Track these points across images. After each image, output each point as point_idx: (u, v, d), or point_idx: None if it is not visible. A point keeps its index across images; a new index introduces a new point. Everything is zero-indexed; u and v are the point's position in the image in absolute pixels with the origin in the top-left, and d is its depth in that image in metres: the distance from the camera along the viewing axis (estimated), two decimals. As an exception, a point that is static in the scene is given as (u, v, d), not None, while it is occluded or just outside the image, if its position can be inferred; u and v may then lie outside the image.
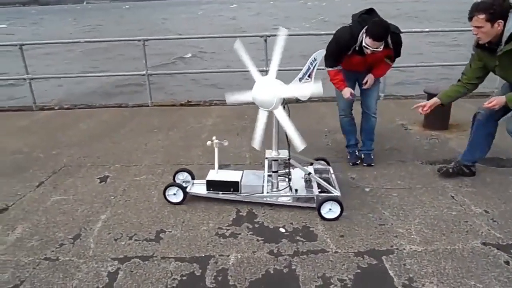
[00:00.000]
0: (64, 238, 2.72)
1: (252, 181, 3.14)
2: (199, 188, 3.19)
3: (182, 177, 3.37)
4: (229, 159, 3.92)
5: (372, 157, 3.80)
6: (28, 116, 5.93)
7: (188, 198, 3.14)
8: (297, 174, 3.21)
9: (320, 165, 3.44)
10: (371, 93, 3.62)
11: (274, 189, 3.12)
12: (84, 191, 3.39)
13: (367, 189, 3.27)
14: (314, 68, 2.79)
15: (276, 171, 3.10)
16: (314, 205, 2.94)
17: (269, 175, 3.13)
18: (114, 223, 2.89)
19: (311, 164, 3.42)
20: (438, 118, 4.44)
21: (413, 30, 6.33)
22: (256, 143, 2.75)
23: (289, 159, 3.03)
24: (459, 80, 3.24)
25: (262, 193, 3.05)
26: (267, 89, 2.75)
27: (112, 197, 3.27)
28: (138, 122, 5.39)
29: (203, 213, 2.99)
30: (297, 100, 2.92)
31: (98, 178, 3.64)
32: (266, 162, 3.08)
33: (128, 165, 3.91)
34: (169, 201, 3.13)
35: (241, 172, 3.23)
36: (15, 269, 2.41)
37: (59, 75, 10.80)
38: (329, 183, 3.09)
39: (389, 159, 3.86)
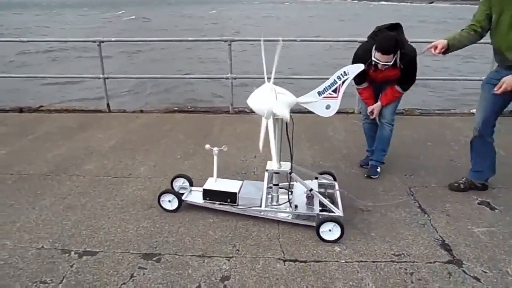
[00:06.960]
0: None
1: (251, 193, 2.97)
2: (196, 196, 3.10)
3: (179, 183, 3.27)
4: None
5: (378, 170, 3.65)
6: (237, 119, 5.51)
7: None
8: (299, 189, 2.99)
9: (326, 180, 3.20)
10: None
11: (274, 203, 2.97)
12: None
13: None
14: (343, 83, 2.64)
15: (277, 184, 2.95)
16: (314, 224, 2.76)
17: (269, 188, 2.95)
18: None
19: (316, 178, 3.19)
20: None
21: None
22: (260, 147, 2.62)
23: (290, 173, 2.85)
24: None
25: (260, 206, 2.90)
26: (261, 97, 2.60)
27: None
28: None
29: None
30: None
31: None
32: (267, 174, 2.88)
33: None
34: (164, 208, 3.06)
35: (241, 182, 3.10)
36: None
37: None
38: (333, 201, 2.92)
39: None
